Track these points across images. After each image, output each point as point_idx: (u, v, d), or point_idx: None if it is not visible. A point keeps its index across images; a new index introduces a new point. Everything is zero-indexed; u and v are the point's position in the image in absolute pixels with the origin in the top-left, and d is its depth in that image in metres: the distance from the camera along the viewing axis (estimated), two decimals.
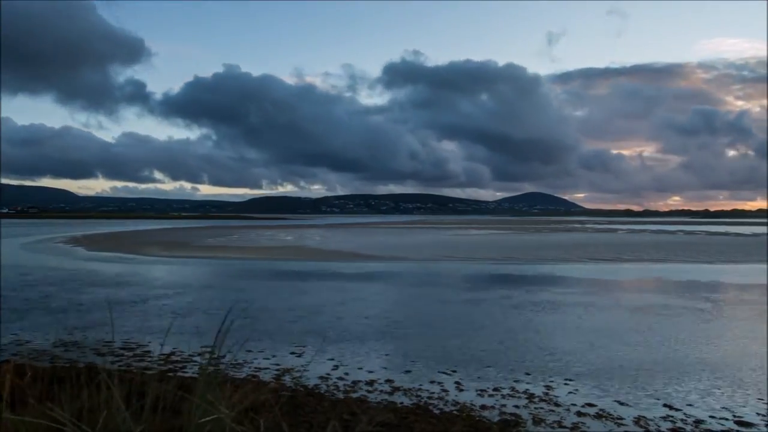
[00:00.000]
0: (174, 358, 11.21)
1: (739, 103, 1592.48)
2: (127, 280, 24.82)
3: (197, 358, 11.03)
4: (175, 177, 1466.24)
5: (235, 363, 10.80)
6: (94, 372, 4.94)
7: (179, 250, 44.93)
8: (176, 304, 18.27)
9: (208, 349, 3.20)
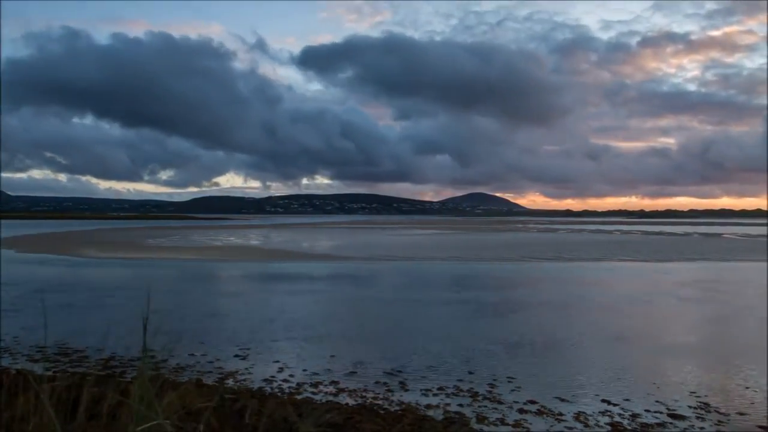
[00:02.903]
0: (113, 363, 10.87)
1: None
2: (62, 282, 23.92)
3: (137, 363, 10.72)
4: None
5: (178, 367, 10.55)
6: (25, 379, 4.73)
7: (119, 251, 43.61)
8: (116, 306, 17.73)
9: (148, 353, 3.10)
